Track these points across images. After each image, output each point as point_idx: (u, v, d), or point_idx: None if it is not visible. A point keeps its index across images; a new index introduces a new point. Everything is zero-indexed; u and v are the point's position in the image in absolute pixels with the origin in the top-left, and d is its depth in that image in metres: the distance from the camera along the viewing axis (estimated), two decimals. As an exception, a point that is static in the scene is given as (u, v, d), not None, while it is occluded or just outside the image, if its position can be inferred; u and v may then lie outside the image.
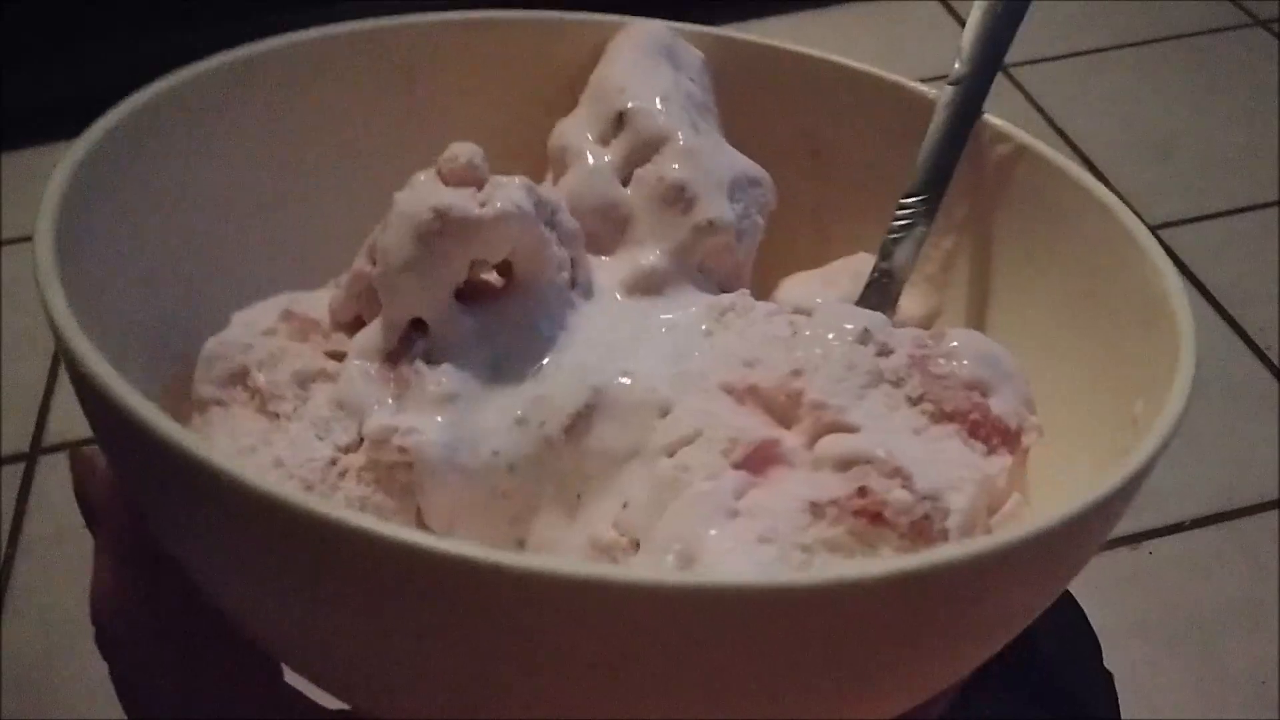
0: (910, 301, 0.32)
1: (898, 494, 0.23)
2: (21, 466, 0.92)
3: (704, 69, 0.33)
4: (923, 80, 0.33)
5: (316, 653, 0.22)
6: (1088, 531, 0.21)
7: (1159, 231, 1.08)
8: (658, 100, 0.31)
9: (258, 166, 0.30)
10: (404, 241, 0.25)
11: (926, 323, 0.32)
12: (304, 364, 0.27)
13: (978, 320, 0.32)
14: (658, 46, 0.32)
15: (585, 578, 0.17)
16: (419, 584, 0.18)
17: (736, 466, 0.24)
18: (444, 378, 0.25)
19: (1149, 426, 0.22)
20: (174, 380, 0.27)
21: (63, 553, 0.84)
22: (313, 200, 0.31)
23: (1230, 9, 1.37)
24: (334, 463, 0.25)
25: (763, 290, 0.31)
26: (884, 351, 0.26)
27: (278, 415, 0.26)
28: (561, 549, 0.25)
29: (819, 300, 0.31)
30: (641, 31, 0.33)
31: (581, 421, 0.26)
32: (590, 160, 0.30)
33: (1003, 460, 0.25)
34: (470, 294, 0.27)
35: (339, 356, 0.27)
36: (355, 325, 0.27)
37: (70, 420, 0.95)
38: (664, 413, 0.26)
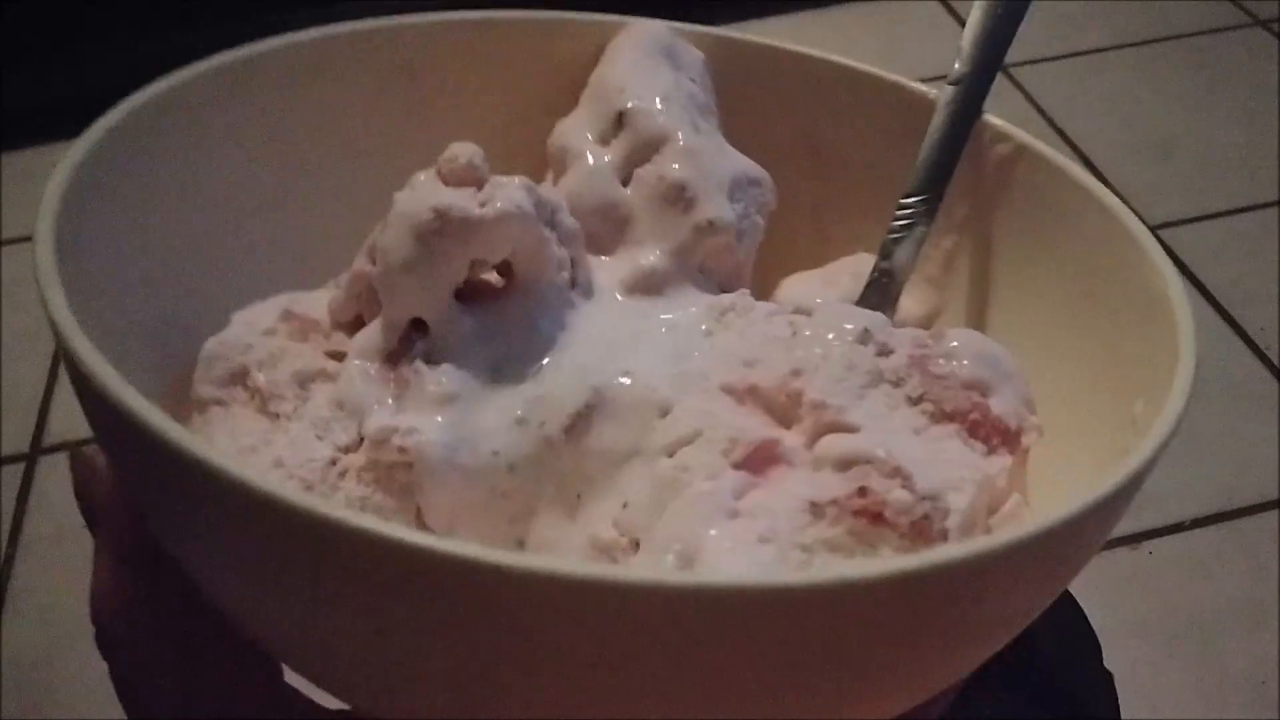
0: (910, 301, 0.32)
1: (898, 494, 0.23)
2: (21, 466, 0.92)
3: (704, 69, 0.33)
4: (923, 80, 0.33)
5: (316, 652, 0.22)
6: (1088, 532, 0.21)
7: (1159, 231, 1.08)
8: (658, 100, 0.31)
9: (258, 166, 0.30)
10: (404, 241, 0.25)
11: (926, 322, 0.32)
12: (304, 364, 0.27)
13: (978, 320, 0.32)
14: (658, 46, 0.32)
15: (585, 578, 0.17)
16: (419, 584, 0.18)
17: (736, 466, 0.24)
18: (444, 378, 0.25)
19: (1149, 426, 0.22)
20: (174, 380, 0.27)
21: (63, 553, 0.84)
22: (313, 200, 0.31)
23: (1230, 9, 1.37)
24: (334, 463, 0.25)
25: (762, 290, 0.31)
26: (884, 351, 0.26)
27: (278, 415, 0.26)
28: (561, 549, 0.25)
29: (819, 300, 0.31)
30: (642, 31, 0.33)
31: (581, 421, 0.26)
32: (590, 160, 0.30)
33: (1003, 460, 0.25)
34: (470, 294, 0.27)
35: (339, 356, 0.27)
36: (355, 325, 0.27)
37: (70, 420, 0.95)
38: (664, 413, 0.26)
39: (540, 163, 0.32)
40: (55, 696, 0.77)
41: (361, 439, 0.25)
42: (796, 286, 0.32)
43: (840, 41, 1.31)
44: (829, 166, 0.34)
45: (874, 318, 0.27)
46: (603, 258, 0.30)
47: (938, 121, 0.31)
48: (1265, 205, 1.11)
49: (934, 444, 0.25)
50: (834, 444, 0.24)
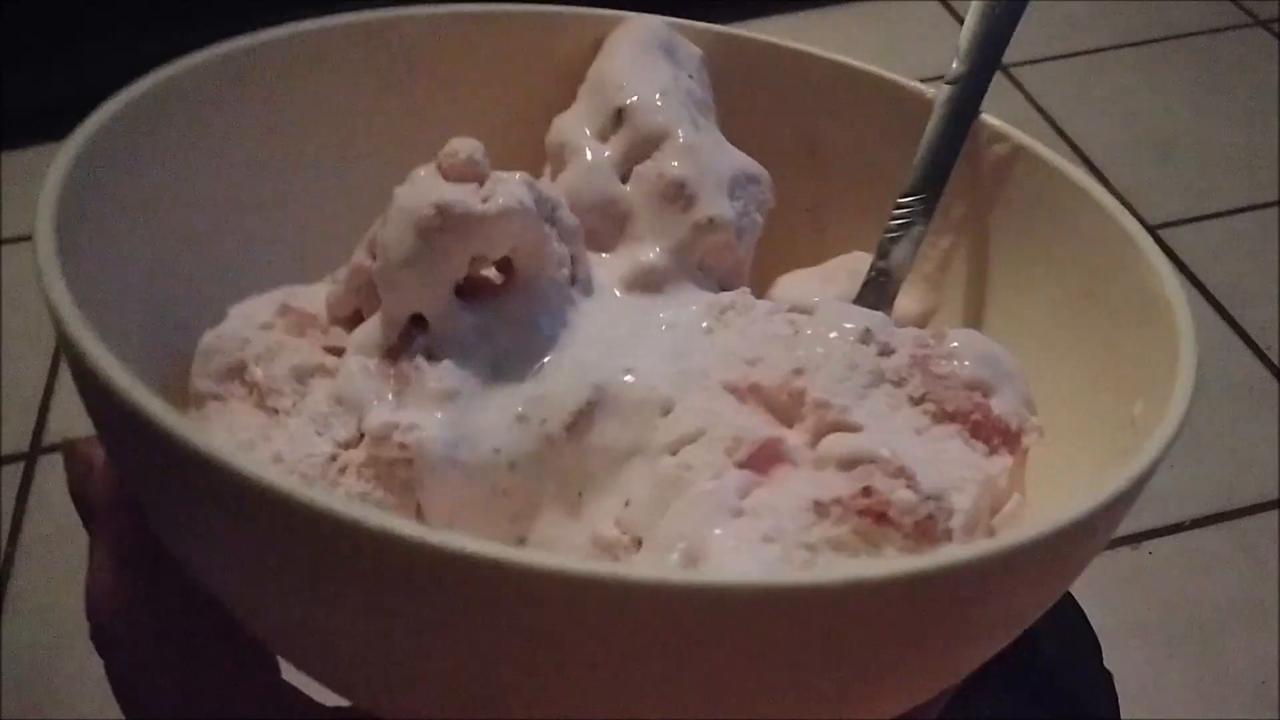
0: (907, 300, 0.32)
1: (902, 494, 0.23)
2: (21, 466, 0.92)
3: (702, 65, 0.33)
4: (922, 80, 0.32)
5: (317, 649, 0.21)
6: (1092, 533, 0.21)
7: (1159, 231, 1.08)
8: (657, 96, 0.31)
9: (256, 160, 0.30)
10: (404, 237, 0.25)
11: (923, 321, 0.32)
12: (302, 359, 0.26)
13: (975, 320, 0.32)
14: (656, 42, 0.32)
15: (587, 575, 0.17)
16: (419, 579, 0.17)
17: (740, 465, 0.24)
18: (444, 374, 0.25)
19: (1150, 427, 0.22)
20: (173, 375, 0.27)
21: (63, 553, 0.84)
22: (311, 194, 0.31)
23: (1230, 9, 1.37)
24: (334, 458, 0.25)
25: (759, 288, 0.31)
26: (886, 351, 0.26)
27: (276, 410, 0.26)
28: (563, 547, 0.25)
29: (816, 299, 0.31)
30: (640, 27, 0.33)
31: (583, 419, 0.26)
32: (589, 156, 0.30)
33: (1004, 460, 0.25)
34: (470, 290, 0.27)
35: (337, 351, 0.27)
36: (353, 320, 0.27)
37: (70, 420, 0.95)
38: (666, 411, 0.26)
39: (538, 158, 0.32)
40: (55, 696, 0.77)
41: (361, 435, 0.25)
42: (794, 284, 0.32)
43: (840, 41, 1.30)
44: (827, 165, 0.34)
45: (875, 317, 0.27)
46: (602, 255, 0.29)
47: (935, 121, 0.31)
48: (1265, 205, 1.11)
49: (936, 444, 0.25)
50: (837, 443, 0.24)
